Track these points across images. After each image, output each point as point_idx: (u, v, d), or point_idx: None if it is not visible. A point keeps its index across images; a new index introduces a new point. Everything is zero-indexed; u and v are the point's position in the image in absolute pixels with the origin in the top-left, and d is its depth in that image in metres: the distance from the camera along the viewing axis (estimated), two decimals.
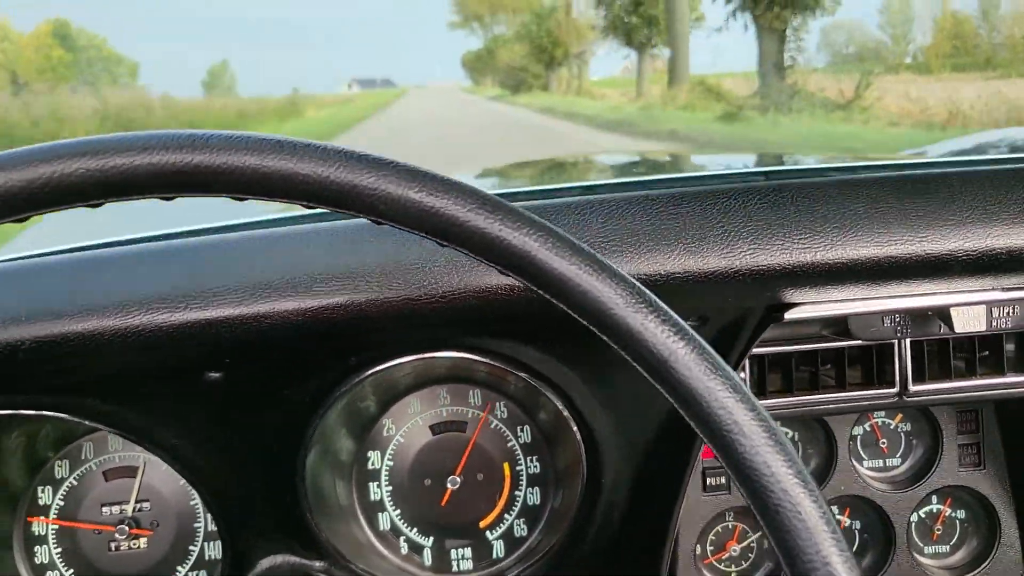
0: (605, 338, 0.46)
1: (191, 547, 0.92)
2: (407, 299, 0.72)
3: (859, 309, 0.83)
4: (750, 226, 0.76)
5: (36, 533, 0.90)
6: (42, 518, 0.90)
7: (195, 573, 0.92)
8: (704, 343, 0.45)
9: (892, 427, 1.00)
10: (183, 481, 0.85)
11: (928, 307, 0.84)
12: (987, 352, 0.89)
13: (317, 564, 0.86)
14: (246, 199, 0.46)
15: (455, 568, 0.93)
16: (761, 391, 0.86)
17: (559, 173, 1.57)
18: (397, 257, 0.73)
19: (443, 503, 0.93)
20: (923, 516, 1.01)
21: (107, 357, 0.71)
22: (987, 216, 0.78)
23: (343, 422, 0.89)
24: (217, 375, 0.78)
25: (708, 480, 0.97)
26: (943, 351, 0.89)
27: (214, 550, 0.92)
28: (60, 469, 0.91)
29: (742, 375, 0.86)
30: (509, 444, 0.95)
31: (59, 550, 0.90)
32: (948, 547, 1.02)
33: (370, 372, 0.81)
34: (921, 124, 17.25)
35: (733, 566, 1.00)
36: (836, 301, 0.82)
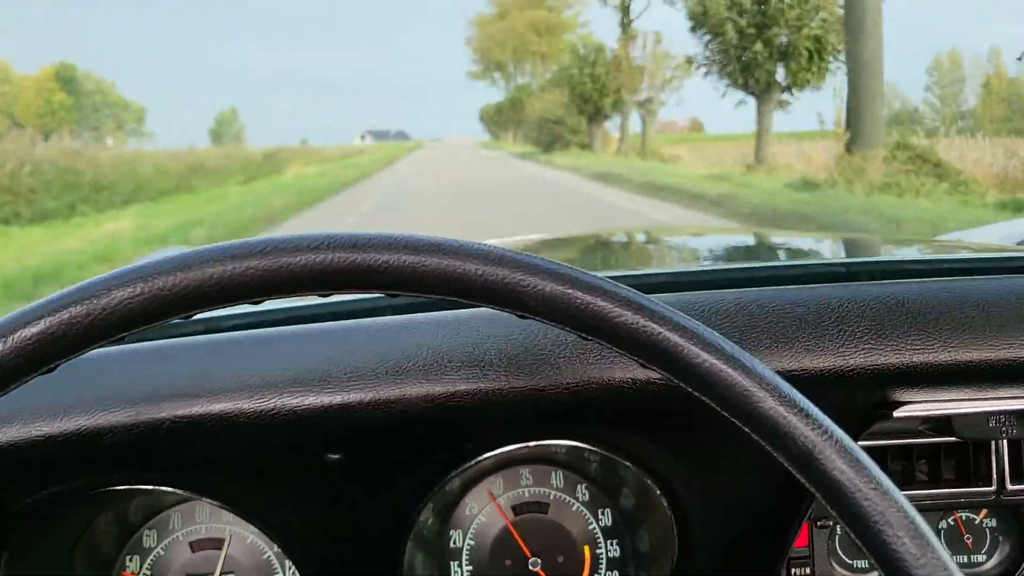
0: (747, 430, 0.50)
1: None
2: (533, 389, 0.77)
3: (965, 409, 0.85)
4: (864, 326, 0.81)
5: None
6: None
7: None
8: (846, 437, 0.49)
9: (977, 522, 1.01)
10: (268, 554, 0.91)
11: None
12: None
13: None
14: (400, 295, 0.52)
15: None
16: None
17: (615, 254, 1.64)
18: (524, 346, 0.78)
19: None
20: None
21: (236, 437, 0.76)
22: None
23: (431, 500, 0.92)
24: (337, 456, 0.81)
25: (793, 570, 0.96)
26: None
27: None
28: (148, 539, 0.94)
29: None
30: (590, 527, 0.98)
31: None
32: None
33: (485, 456, 0.86)
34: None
35: None
36: (943, 401, 0.85)
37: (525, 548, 0.96)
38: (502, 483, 0.98)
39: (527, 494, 0.97)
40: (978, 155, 18.55)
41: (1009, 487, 0.88)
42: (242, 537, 0.94)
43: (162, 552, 0.94)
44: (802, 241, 1.80)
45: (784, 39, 23.37)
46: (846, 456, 0.48)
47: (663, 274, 1.04)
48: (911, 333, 0.80)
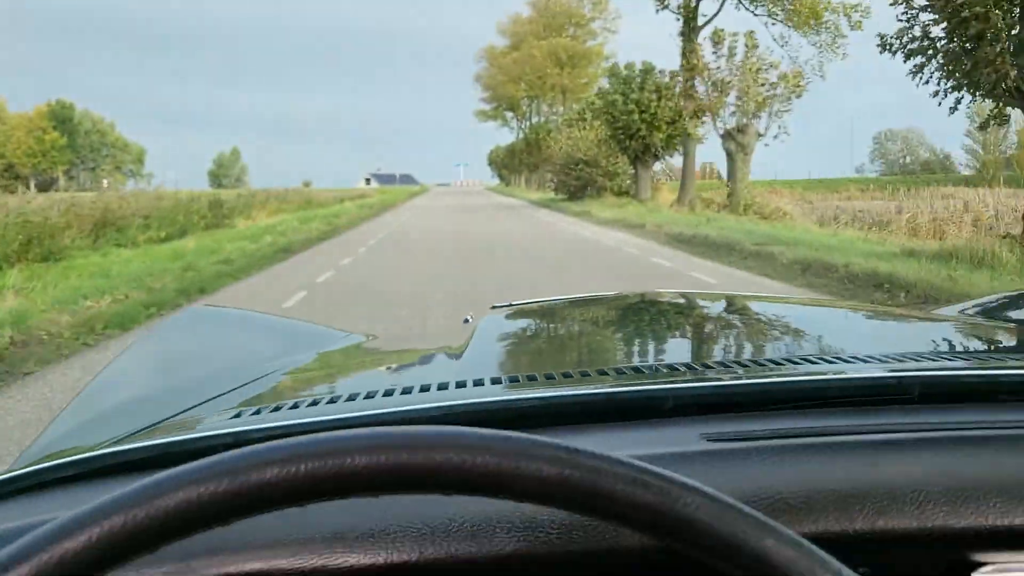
0: None
1: None
2: (585, 552, 0.74)
3: None
4: (943, 481, 0.75)
5: None
6: None
7: None
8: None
9: None
10: None
11: None
12: None
13: None
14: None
15: None
16: None
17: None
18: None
19: None
20: None
21: None
22: None
23: None
24: None
25: None
26: None
27: None
28: None
29: None
30: None
31: None
32: None
33: None
34: None
35: None
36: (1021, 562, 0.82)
37: None
38: None
39: None
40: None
41: None
42: None
43: None
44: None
45: None
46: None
47: (686, 388, 0.94)
48: (994, 493, 0.74)
